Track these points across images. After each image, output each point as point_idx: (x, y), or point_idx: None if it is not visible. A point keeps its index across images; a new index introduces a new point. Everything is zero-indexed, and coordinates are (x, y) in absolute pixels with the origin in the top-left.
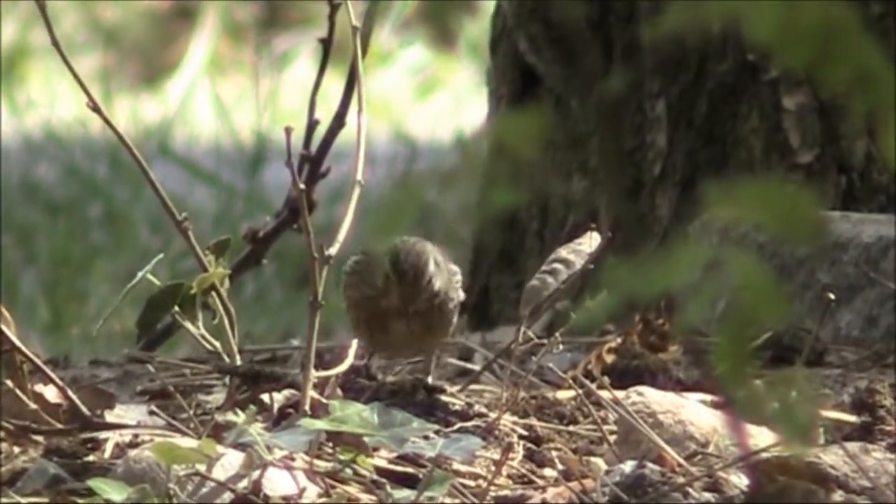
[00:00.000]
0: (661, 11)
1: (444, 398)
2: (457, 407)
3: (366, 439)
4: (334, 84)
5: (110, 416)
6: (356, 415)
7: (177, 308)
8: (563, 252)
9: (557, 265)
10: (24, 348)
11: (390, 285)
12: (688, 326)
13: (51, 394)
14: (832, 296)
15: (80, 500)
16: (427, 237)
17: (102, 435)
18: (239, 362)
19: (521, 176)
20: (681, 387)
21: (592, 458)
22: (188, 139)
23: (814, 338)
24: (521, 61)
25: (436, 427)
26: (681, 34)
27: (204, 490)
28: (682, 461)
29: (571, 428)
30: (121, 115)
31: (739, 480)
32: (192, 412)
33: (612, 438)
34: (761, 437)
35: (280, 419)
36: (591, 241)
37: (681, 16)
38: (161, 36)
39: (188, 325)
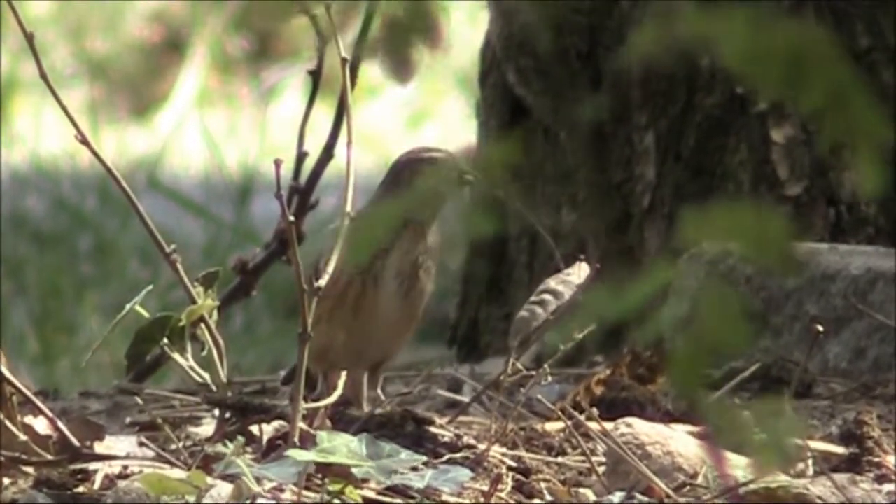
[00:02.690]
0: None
1: (432, 430)
2: (445, 438)
3: (354, 471)
4: (323, 116)
5: (100, 448)
6: (344, 446)
7: (166, 340)
8: (552, 283)
9: (546, 296)
10: (13, 380)
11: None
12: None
13: (41, 425)
14: (820, 327)
15: None
16: None
17: (92, 466)
18: (228, 394)
19: (505, 206)
20: (669, 418)
21: (581, 490)
22: (177, 171)
23: (802, 369)
24: (510, 93)
25: (424, 458)
26: (669, 68)
27: None
28: (670, 492)
29: (560, 459)
30: (109, 148)
31: None
32: (181, 444)
33: (600, 470)
34: (747, 468)
35: (269, 451)
36: (580, 272)
37: (651, 36)
38: (150, 68)
39: (177, 356)
